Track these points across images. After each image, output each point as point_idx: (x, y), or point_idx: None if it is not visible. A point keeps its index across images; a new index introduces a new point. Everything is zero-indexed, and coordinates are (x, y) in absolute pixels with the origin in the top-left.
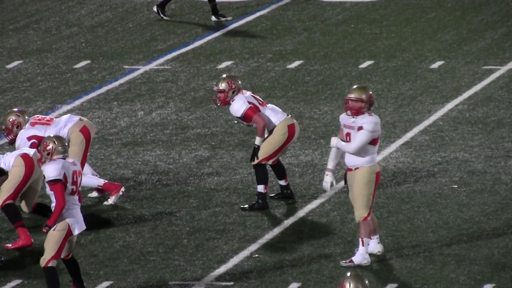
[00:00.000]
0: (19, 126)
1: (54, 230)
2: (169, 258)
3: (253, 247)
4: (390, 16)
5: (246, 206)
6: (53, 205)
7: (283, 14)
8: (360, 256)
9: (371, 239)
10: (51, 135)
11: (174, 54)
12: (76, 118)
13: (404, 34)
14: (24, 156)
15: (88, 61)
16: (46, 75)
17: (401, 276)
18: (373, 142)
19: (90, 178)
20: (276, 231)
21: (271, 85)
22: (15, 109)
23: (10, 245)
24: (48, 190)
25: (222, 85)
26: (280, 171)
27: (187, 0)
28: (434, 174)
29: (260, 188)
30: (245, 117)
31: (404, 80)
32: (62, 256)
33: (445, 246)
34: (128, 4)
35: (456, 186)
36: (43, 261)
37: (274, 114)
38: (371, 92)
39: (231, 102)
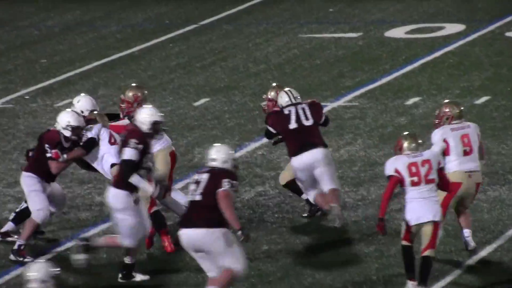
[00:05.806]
0: (140, 104)
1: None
2: None
3: None
4: None
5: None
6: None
7: (470, 50)
8: None
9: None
10: None
11: (362, 90)
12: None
13: None
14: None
15: None
16: (234, 113)
17: None
18: (445, 152)
19: None
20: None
21: None
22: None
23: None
24: None
25: (272, 94)
26: (297, 188)
27: (375, 36)
28: None
29: (310, 195)
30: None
31: None
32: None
33: None
34: (315, 40)
35: None
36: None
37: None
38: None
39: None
